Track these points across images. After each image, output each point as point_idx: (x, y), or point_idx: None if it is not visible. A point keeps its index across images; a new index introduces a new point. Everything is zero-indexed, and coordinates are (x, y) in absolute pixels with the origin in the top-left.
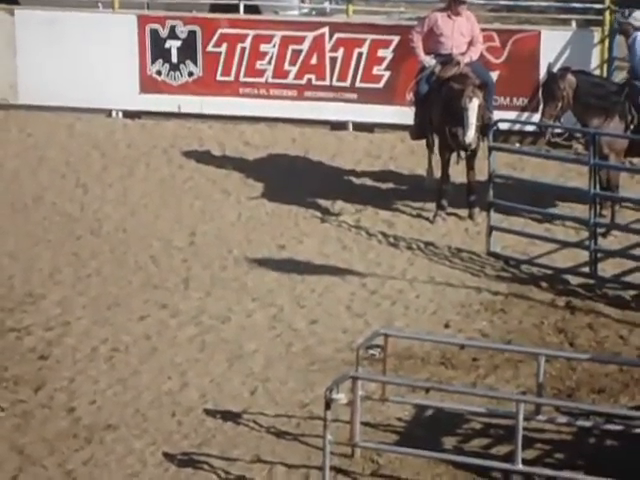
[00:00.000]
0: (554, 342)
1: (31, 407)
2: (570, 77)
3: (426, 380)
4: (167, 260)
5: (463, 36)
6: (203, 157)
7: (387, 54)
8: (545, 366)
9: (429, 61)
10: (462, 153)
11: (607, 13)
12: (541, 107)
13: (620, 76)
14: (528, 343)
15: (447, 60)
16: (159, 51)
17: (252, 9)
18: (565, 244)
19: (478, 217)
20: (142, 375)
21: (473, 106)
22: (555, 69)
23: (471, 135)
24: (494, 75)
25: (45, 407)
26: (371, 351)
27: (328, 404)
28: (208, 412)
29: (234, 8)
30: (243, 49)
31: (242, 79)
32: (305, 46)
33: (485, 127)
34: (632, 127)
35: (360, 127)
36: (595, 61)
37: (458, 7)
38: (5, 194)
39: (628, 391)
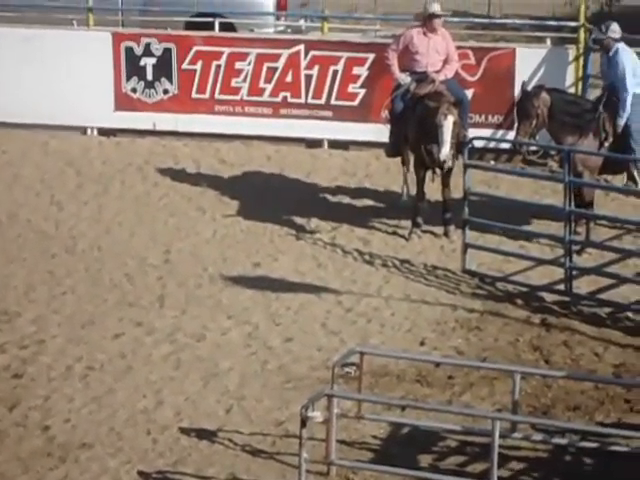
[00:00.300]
0: (529, 359)
1: (5, 426)
2: (544, 95)
3: (402, 398)
4: (142, 278)
5: (438, 54)
6: (178, 175)
7: (362, 72)
8: (521, 383)
9: (404, 78)
10: (437, 170)
11: (582, 31)
12: (516, 125)
13: (595, 93)
14: (503, 360)
15: (422, 78)
16: (134, 68)
17: (227, 27)
18: (540, 261)
19: (453, 235)
20: (117, 393)
21: (448, 123)
22: (530, 87)
23: (446, 152)
24: (469, 93)
25: (19, 426)
26: (346, 369)
27: (304, 422)
28: (183, 430)
29: (209, 26)
30: (218, 67)
31: (217, 96)
32: (280, 64)
33: (460, 145)
34: (606, 144)
35: (335, 145)
36: (570, 78)
37: (433, 22)
38: None
39: (603, 408)
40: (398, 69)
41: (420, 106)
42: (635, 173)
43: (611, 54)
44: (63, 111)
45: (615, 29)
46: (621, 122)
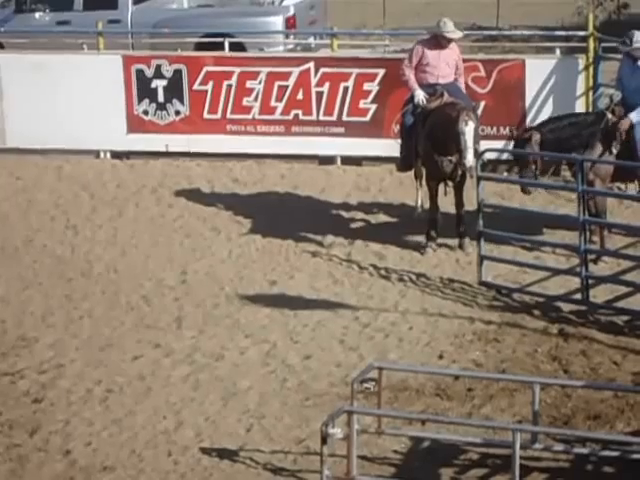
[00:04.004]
0: (548, 370)
1: (26, 451)
2: (535, 137)
3: (421, 412)
4: (159, 299)
5: (449, 66)
6: (192, 195)
7: (373, 87)
8: (540, 394)
9: (422, 95)
10: (450, 183)
11: (591, 40)
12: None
13: (604, 102)
14: (522, 372)
15: (431, 92)
16: (145, 91)
17: (237, 46)
18: (556, 271)
19: (468, 247)
20: (137, 415)
21: (469, 129)
22: (517, 131)
23: (470, 158)
24: (480, 105)
25: (41, 450)
26: (366, 384)
27: (324, 439)
28: (204, 451)
29: (219, 46)
30: (229, 86)
31: (229, 116)
32: (291, 82)
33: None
34: (615, 151)
35: (348, 161)
36: (580, 88)
37: (446, 41)
38: None
39: (624, 417)
40: (416, 84)
41: (432, 118)
42: None
43: None
44: (76, 135)
45: (639, 38)
46: (635, 118)
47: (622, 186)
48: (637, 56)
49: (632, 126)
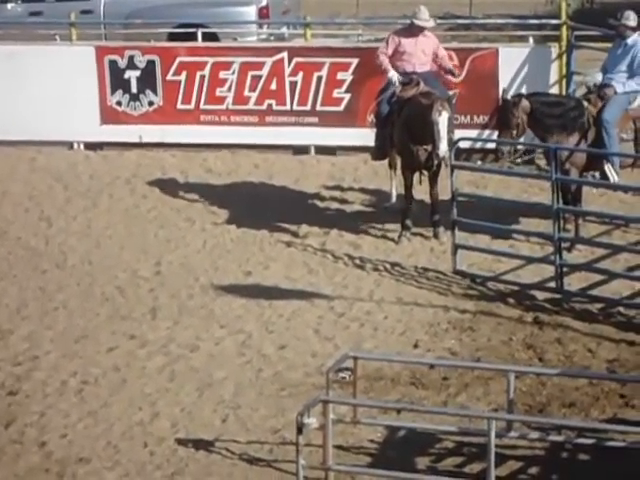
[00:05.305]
0: (523, 358)
1: (2, 443)
2: (524, 103)
3: (397, 401)
4: (134, 290)
5: (425, 54)
6: (166, 186)
7: (346, 77)
8: (515, 382)
9: (396, 76)
10: (425, 172)
11: (564, 28)
12: (496, 135)
13: (580, 91)
14: (497, 360)
15: (406, 81)
16: (118, 82)
17: (210, 37)
18: (530, 260)
19: (443, 236)
20: (112, 407)
21: (443, 119)
22: (510, 94)
23: (444, 148)
24: (455, 94)
25: (16, 443)
26: (341, 374)
27: (300, 429)
28: (180, 441)
29: (192, 36)
30: (203, 77)
31: (203, 107)
32: (264, 72)
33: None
34: (589, 140)
35: (322, 150)
36: (554, 76)
37: (420, 30)
38: None
39: (598, 404)
40: (390, 65)
41: (408, 108)
42: (607, 169)
43: (630, 42)
44: (49, 127)
45: (629, 17)
46: (620, 89)
47: (596, 174)
48: (623, 33)
49: (600, 111)
